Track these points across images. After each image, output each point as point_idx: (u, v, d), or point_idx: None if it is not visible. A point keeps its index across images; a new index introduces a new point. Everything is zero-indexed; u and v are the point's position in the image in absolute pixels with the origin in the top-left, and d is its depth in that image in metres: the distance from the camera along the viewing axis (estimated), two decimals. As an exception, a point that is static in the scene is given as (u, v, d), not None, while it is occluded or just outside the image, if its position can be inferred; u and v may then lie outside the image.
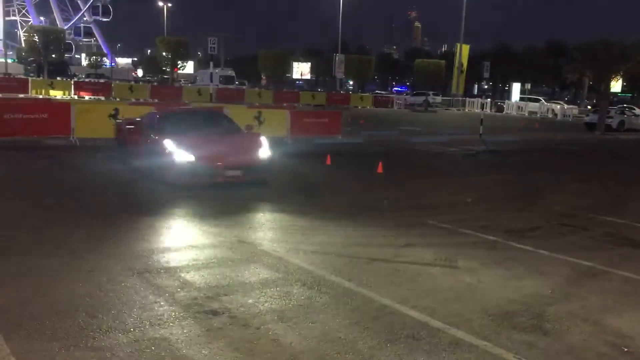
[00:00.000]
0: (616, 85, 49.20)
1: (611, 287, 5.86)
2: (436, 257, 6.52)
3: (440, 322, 4.65)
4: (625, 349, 4.35)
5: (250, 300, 4.93)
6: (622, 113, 35.25)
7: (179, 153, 9.75)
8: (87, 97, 40.14)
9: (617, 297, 5.54)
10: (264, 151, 10.58)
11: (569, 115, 47.40)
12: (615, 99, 54.51)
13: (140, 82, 65.23)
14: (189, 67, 73.86)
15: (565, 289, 5.69)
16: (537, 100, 52.87)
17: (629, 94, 75.07)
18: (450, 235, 7.66)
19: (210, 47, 30.86)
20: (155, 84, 60.10)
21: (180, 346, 4.02)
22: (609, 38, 31.98)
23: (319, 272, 5.76)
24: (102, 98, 39.75)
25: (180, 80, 68.28)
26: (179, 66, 64.17)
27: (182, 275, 5.51)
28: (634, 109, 39.02)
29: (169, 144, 9.92)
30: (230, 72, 54.94)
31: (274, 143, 17.35)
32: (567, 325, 4.75)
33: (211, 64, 34.36)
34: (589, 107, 50.73)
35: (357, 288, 5.36)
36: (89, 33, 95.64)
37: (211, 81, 38.25)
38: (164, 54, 63.16)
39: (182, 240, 6.85)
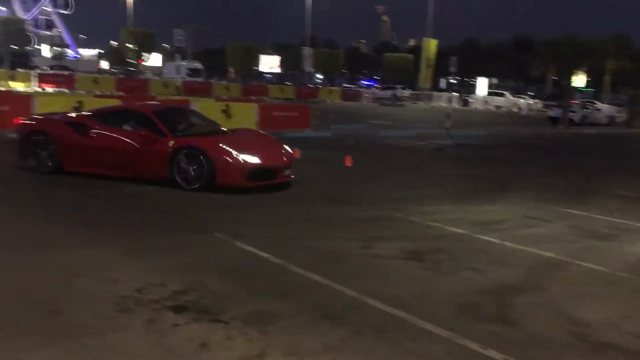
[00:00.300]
0: (579, 81, 50.25)
1: (574, 277, 5.99)
2: (403, 250, 6.57)
3: (407, 313, 4.68)
4: (588, 338, 4.45)
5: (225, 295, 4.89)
6: (585, 108, 36.06)
7: (244, 156, 9.28)
8: (50, 90, 39.26)
9: (579, 287, 5.67)
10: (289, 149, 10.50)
11: (534, 110, 48.26)
12: (578, 93, 55.63)
13: (107, 75, 64.14)
14: (157, 60, 72.93)
15: (529, 279, 5.80)
16: (503, 95, 53.70)
17: (592, 88, 76.73)
18: (418, 228, 7.72)
19: (177, 40, 30.45)
20: (120, 76, 59.12)
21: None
22: (573, 34, 32.69)
23: (287, 266, 5.75)
24: (66, 90, 38.92)
25: (146, 73, 67.33)
26: (143, 58, 63.21)
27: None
28: (595, 104, 39.94)
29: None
30: (198, 65, 54.33)
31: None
32: (531, 315, 4.84)
33: (178, 56, 33.95)
34: (539, 100, 51.58)
35: (325, 281, 5.37)
36: (50, 25, 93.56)
37: (178, 74, 37.83)
38: (129, 45, 62.18)
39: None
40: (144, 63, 65.63)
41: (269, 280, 5.36)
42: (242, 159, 9.22)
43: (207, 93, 40.89)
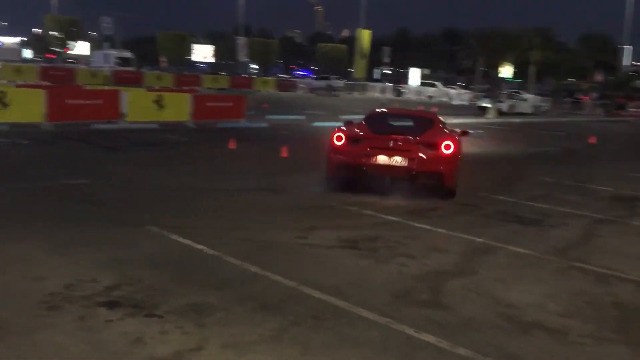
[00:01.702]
0: (506, 71, 52.09)
1: (502, 261, 6.22)
2: (340, 238, 6.63)
3: (344, 301, 4.74)
4: (516, 319, 4.64)
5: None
6: (512, 98, 37.41)
7: None
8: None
9: (507, 270, 5.90)
10: None
11: (464, 100, 49.62)
12: (505, 83, 57.66)
13: (31, 64, 61.21)
14: (84, 48, 70.27)
15: (461, 264, 5.98)
16: (434, 85, 54.95)
17: (519, 79, 79.69)
18: (353, 217, 7.81)
19: (105, 27, 29.39)
20: (45, 65, 56.58)
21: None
22: (501, 27, 33.85)
23: (224, 257, 5.69)
24: (-14, 80, 36.91)
25: (73, 61, 64.76)
26: (69, 46, 60.73)
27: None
28: (522, 94, 41.52)
29: None
30: (128, 54, 52.69)
31: (176, 128, 17.03)
32: (463, 299, 5.00)
33: (106, 44, 32.80)
34: (460, 88, 53.16)
35: (263, 272, 5.35)
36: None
37: (106, 63, 36.56)
38: (53, 33, 59.55)
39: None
40: (69, 52, 63.09)
41: (205, 273, 5.30)
42: None
43: (138, 83, 39.72)
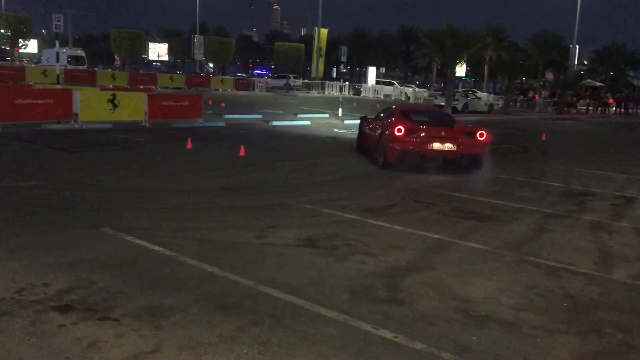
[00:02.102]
0: (460, 70, 52.97)
1: (458, 257, 6.34)
2: (298, 237, 6.64)
3: (303, 300, 4.75)
4: (471, 313, 4.74)
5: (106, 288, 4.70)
6: (466, 96, 38.09)
7: None
8: None
9: (463, 265, 6.01)
10: None
11: (420, 98, 50.24)
12: (460, 82, 58.69)
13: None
14: (32, 46, 68.21)
15: (417, 261, 6.07)
16: (392, 84, 55.46)
17: (472, 77, 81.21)
18: (311, 216, 7.83)
19: (56, 25, 28.61)
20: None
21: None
22: (455, 26, 34.37)
23: (181, 258, 5.63)
24: None
25: (23, 60, 62.80)
26: (20, 45, 58.86)
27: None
28: (476, 92, 42.33)
29: None
30: (80, 52, 51.37)
31: (131, 128, 16.72)
32: (420, 294, 5.08)
33: (57, 42, 31.90)
34: (424, 89, 54.13)
35: (221, 272, 5.32)
36: None
37: (57, 61, 35.53)
38: (1, 31, 57.57)
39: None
40: (20, 50, 61.11)
41: (162, 274, 5.23)
42: None
43: (92, 82, 38.84)
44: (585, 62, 65.89)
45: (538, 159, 15.86)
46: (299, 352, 3.89)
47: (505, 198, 9.76)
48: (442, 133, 11.70)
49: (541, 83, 52.57)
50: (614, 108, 47.35)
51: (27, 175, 9.47)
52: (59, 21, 28.68)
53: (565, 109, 44.37)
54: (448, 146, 11.58)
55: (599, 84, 49.25)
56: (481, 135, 11.86)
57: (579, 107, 46.60)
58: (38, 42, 73.15)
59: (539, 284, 5.55)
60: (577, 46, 51.10)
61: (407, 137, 11.54)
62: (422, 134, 11.62)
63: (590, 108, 46.40)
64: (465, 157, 11.73)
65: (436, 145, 11.55)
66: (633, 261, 6.53)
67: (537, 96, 48.75)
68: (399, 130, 11.55)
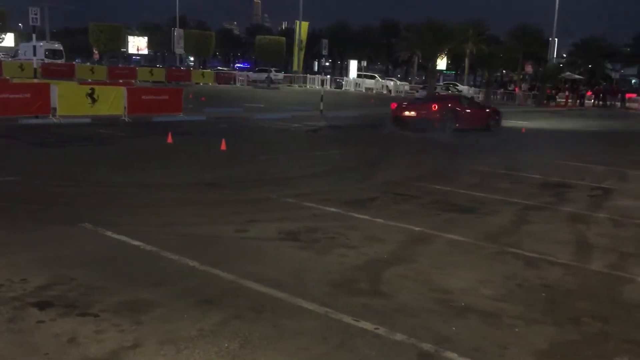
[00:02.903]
0: (442, 63, 53.19)
1: (439, 249, 6.39)
2: (279, 231, 6.64)
3: (284, 293, 4.76)
4: (451, 304, 4.78)
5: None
6: (447, 89, 38.34)
7: None
8: None
9: (443, 257, 6.06)
10: None
11: (402, 92, 50.43)
12: (442, 75, 59.00)
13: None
14: (8, 40, 67.21)
15: (398, 253, 6.10)
16: (373, 78, 55.55)
17: (453, 71, 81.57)
18: (293, 209, 7.83)
19: (33, 18, 28.15)
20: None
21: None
22: (435, 19, 34.54)
23: (161, 253, 5.60)
24: None
25: (0, 54, 61.78)
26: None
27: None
28: (457, 85, 42.59)
29: None
30: (58, 46, 50.65)
31: (110, 122, 16.56)
32: (400, 286, 5.11)
33: (34, 36, 31.41)
34: (406, 82, 54.37)
35: (202, 266, 5.30)
36: None
37: (35, 55, 35.00)
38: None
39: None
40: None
41: (142, 269, 5.20)
42: None
43: (70, 76, 38.38)
44: (565, 55, 66.46)
45: (517, 151, 16.00)
46: (280, 345, 3.90)
47: (485, 190, 9.83)
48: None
49: (521, 76, 52.93)
50: (592, 100, 47.92)
51: (5, 170, 9.34)
52: (36, 14, 28.21)
53: (545, 101, 44.82)
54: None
55: (577, 76, 49.78)
56: (497, 112, 21.20)
57: (557, 100, 47.10)
58: (15, 35, 72.05)
59: (517, 275, 5.61)
60: (556, 39, 51.57)
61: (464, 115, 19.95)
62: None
63: (569, 101, 46.92)
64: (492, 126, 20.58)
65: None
66: (609, 251, 6.63)
67: (517, 89, 49.16)
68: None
